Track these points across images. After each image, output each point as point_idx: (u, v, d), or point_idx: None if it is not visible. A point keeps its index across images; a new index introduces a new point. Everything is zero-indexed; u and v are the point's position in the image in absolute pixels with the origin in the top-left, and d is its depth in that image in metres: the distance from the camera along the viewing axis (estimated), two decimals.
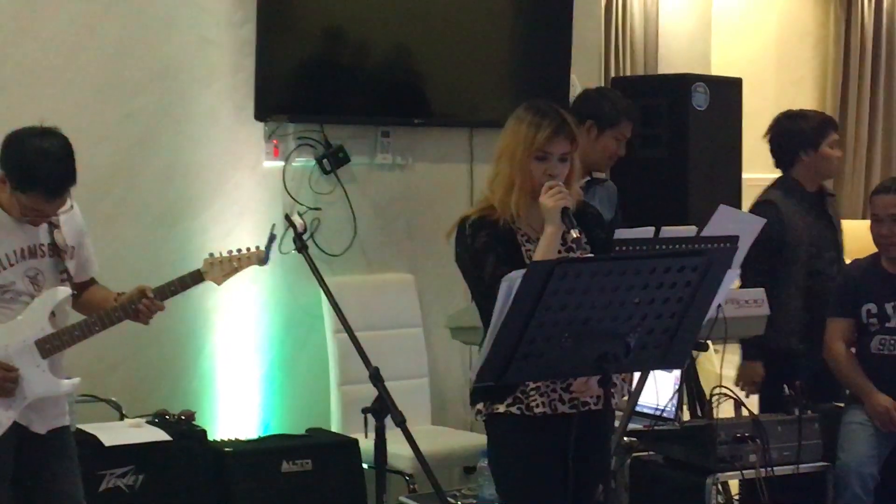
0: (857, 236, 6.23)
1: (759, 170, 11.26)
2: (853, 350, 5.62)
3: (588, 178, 5.36)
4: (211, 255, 4.61)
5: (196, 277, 4.57)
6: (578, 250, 4.03)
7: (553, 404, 4.09)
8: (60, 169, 4.25)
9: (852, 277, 5.66)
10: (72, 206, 4.41)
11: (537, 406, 4.07)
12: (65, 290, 4.44)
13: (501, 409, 4.12)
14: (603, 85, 7.99)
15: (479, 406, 4.17)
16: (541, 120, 4.10)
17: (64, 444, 4.55)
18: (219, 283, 4.62)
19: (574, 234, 3.97)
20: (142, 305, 4.44)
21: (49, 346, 4.37)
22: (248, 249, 4.60)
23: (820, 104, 12.64)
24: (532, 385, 4.06)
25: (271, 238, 4.51)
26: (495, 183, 4.17)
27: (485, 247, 4.10)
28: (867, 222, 5.75)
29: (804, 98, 12.62)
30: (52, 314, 4.41)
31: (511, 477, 4.20)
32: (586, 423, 4.12)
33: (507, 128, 4.19)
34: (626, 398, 4.97)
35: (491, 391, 4.09)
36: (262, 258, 4.60)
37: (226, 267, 4.59)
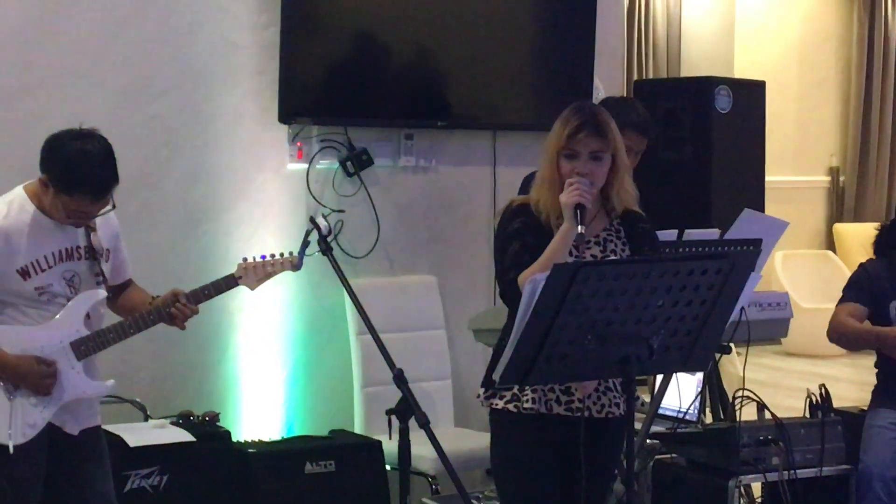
0: None
1: (782, 173, 11.35)
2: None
3: None
4: (245, 259, 4.63)
5: (230, 282, 4.60)
6: (581, 246, 4.02)
7: (548, 404, 4.09)
8: (104, 170, 4.30)
9: (874, 275, 5.56)
10: (113, 206, 4.45)
11: (528, 401, 4.08)
12: (100, 293, 4.47)
13: (500, 404, 4.13)
14: (625, 87, 8.00)
15: (481, 391, 4.19)
16: (571, 117, 4.09)
17: (97, 446, 4.58)
18: (252, 288, 4.64)
19: (580, 229, 3.95)
20: (175, 309, 4.47)
21: (84, 348, 4.40)
22: (282, 255, 4.63)
23: (843, 106, 12.66)
24: None
25: (305, 243, 4.53)
26: (538, 179, 4.18)
27: (515, 232, 4.12)
28: None
29: (827, 100, 12.64)
30: (87, 316, 4.44)
31: (503, 471, 4.23)
32: (588, 429, 4.10)
33: (553, 127, 4.19)
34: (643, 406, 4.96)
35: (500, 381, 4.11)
36: (295, 263, 4.62)
37: (260, 272, 4.62)
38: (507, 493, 4.21)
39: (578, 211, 3.97)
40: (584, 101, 4.26)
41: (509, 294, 4.05)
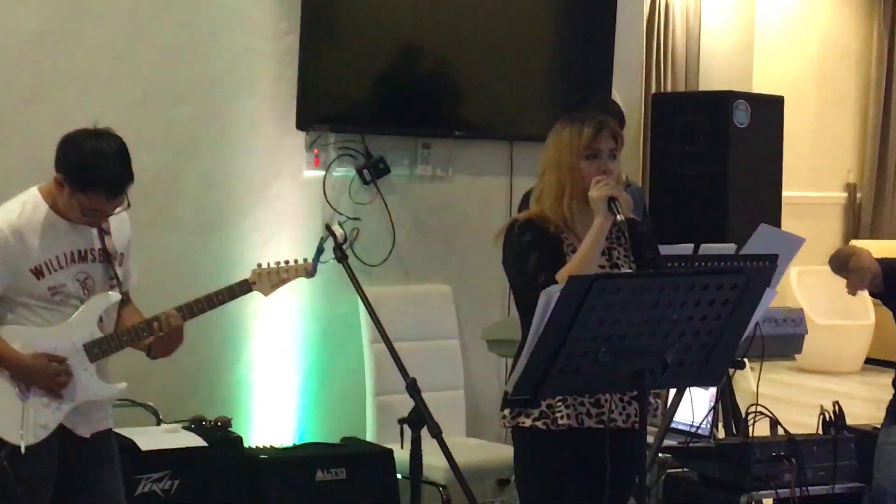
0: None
1: (799, 188, 11.33)
2: None
3: None
4: (259, 265, 4.62)
5: (244, 287, 4.59)
6: (622, 260, 4.07)
7: (580, 418, 4.08)
8: (119, 167, 4.30)
9: None
10: (128, 205, 4.45)
11: (562, 418, 4.06)
12: (114, 296, 4.46)
13: (528, 423, 4.11)
14: (643, 100, 7.98)
15: (506, 412, 4.17)
16: (582, 122, 4.13)
17: (108, 449, 4.58)
18: (266, 294, 4.63)
19: (619, 217, 3.98)
20: (164, 314, 4.46)
21: (97, 351, 4.40)
22: (297, 261, 4.63)
23: (861, 123, 12.64)
24: (559, 397, 4.05)
25: (320, 250, 4.52)
26: (543, 194, 4.18)
27: (529, 245, 4.12)
28: None
29: (846, 117, 12.63)
30: (101, 319, 4.45)
31: (535, 492, 4.20)
32: (614, 440, 4.10)
33: (548, 142, 4.21)
34: (657, 417, 4.94)
35: (519, 401, 4.09)
36: (310, 270, 4.61)
37: (274, 278, 4.61)
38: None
39: (613, 203, 4.00)
40: (578, 112, 4.26)
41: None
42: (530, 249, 4.11)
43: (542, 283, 3.99)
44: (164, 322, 4.46)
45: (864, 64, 12.62)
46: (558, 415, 4.06)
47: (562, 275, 3.99)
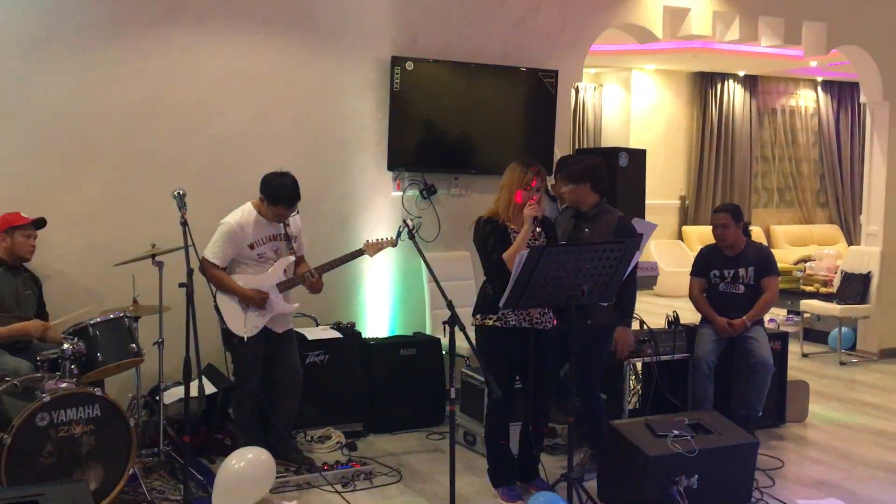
0: (707, 236, 6.13)
1: (655, 198, 11.27)
2: (705, 295, 5.54)
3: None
4: (367, 240, 4.67)
5: (359, 253, 4.66)
6: (541, 238, 4.06)
7: (519, 322, 4.07)
8: (293, 192, 4.37)
9: (703, 255, 5.58)
10: (298, 212, 4.49)
11: (511, 321, 4.05)
12: (291, 258, 4.52)
13: (489, 322, 4.09)
14: (572, 151, 7.93)
15: (478, 316, 4.15)
16: (527, 167, 4.10)
17: (291, 338, 4.65)
18: (371, 256, 4.69)
19: (537, 229, 4.03)
20: (308, 274, 4.50)
21: (282, 286, 4.47)
22: (387, 238, 4.67)
23: (688, 164, 12.55)
24: (509, 310, 4.01)
25: (399, 233, 4.56)
26: (499, 201, 4.17)
27: (489, 233, 4.10)
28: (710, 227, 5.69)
29: (680, 161, 12.53)
30: (284, 270, 4.49)
31: (490, 354, 4.08)
32: (539, 335, 4.09)
33: (507, 172, 4.18)
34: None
35: (486, 310, 4.07)
36: (394, 243, 4.68)
37: (376, 247, 4.67)
38: (492, 364, 4.04)
39: (535, 220, 3.99)
40: (526, 158, 4.23)
41: (496, 268, 4.02)
42: (490, 235, 4.09)
43: (495, 259, 4.00)
44: (308, 275, 4.50)
45: (689, 133, 12.52)
46: (509, 319, 4.06)
47: (506, 254, 3.98)
